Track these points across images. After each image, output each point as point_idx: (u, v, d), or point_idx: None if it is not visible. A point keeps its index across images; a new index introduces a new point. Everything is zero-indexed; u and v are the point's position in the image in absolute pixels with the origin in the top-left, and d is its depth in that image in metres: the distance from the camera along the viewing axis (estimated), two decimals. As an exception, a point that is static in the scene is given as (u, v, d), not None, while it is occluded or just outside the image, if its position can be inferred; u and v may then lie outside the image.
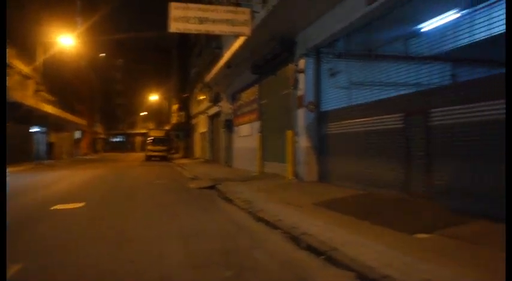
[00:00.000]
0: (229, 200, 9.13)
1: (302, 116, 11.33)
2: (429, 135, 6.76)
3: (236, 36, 13.27)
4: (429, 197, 6.75)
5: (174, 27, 10.45)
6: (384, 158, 8.06)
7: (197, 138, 36.42)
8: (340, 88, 10.63)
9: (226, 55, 15.20)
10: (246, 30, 11.18)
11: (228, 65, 15.52)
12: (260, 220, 6.69)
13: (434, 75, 7.25)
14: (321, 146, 11.10)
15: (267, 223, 6.34)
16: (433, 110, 6.68)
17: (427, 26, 9.18)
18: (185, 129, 43.18)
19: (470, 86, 6.04)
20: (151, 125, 69.36)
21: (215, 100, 25.10)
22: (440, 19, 8.40)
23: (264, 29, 11.29)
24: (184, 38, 44.81)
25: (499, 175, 5.40)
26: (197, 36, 34.43)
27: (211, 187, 11.63)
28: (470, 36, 6.56)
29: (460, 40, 6.71)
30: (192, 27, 10.71)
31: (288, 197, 8.53)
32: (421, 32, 9.54)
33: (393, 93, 8.17)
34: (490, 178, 5.60)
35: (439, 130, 6.58)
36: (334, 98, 10.62)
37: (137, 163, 29.18)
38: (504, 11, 5.81)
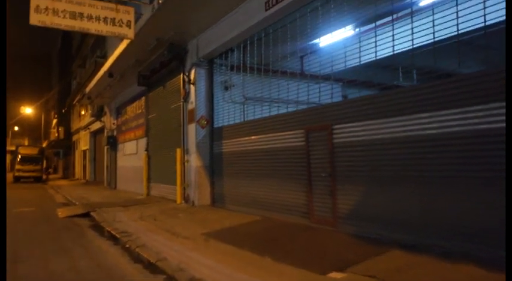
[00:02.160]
0: (103, 233, 7.50)
1: (193, 132, 10.18)
2: (333, 154, 6.18)
3: (120, 39, 11.67)
4: (333, 223, 6.12)
5: (36, 19, 8.48)
6: (283, 179, 7.32)
7: (78, 157, 32.53)
8: (235, 103, 9.81)
9: (108, 62, 13.38)
10: (129, 32, 9.71)
11: (109, 73, 13.67)
12: (138, 260, 5.30)
13: (327, 95, 6.81)
14: (214, 165, 10.06)
15: (147, 264, 5.01)
16: (336, 126, 6.14)
17: (322, 42, 8.95)
18: (65, 146, 38.49)
19: (375, 101, 5.60)
20: (26, 142, 61.06)
21: (98, 114, 22.50)
22: (333, 36, 8.18)
23: (150, 33, 9.97)
24: (66, 46, 40.51)
25: (409, 197, 4.96)
26: (81, 44, 31.14)
27: (85, 215, 9.71)
28: (359, 56, 6.25)
29: (351, 60, 6.36)
30: (62, 23, 8.84)
31: (176, 226, 7.24)
32: (316, 50, 9.32)
33: (291, 109, 7.56)
34: (400, 201, 5.14)
35: (342, 148, 6.04)
36: (228, 114, 9.73)
37: (-1, 186, 24.52)
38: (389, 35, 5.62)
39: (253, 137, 8.34)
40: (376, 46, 5.80)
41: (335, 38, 8.43)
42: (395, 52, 5.61)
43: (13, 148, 47.51)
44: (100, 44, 22.93)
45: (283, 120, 7.40)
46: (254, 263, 4.55)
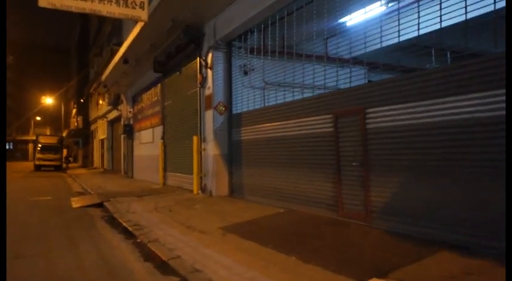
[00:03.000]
0: (115, 225, 7.08)
1: (211, 119, 9.64)
2: (366, 141, 5.52)
3: (135, 23, 11.17)
4: (365, 218, 5.49)
5: (45, 2, 8.05)
6: (309, 169, 6.70)
7: (96, 146, 32.59)
8: (255, 88, 9.19)
9: (123, 47, 12.92)
10: (143, 13, 9.17)
11: (124, 59, 13.22)
12: (150, 257, 4.81)
13: (354, 78, 6.13)
14: (233, 154, 9.51)
15: (159, 263, 4.51)
16: (370, 110, 5.47)
17: (348, 22, 8.17)
18: (84, 135, 38.71)
19: (414, 81, 4.90)
20: (48, 132, 62.05)
21: (115, 103, 22.24)
22: (363, 14, 7.41)
23: (165, 15, 9.42)
24: (84, 36, 40.51)
25: (458, 190, 4.29)
26: (98, 32, 30.95)
27: (99, 205, 9.33)
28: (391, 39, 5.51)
29: (381, 42, 5.62)
30: (72, 4, 8.37)
31: (192, 219, 6.75)
32: (342, 31, 8.56)
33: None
34: (447, 195, 4.47)
35: (377, 135, 5.38)
36: (248, 99, 9.12)
37: (22, 174, 24.68)
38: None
39: (275, 124, 7.73)
40: (418, 23, 5.04)
41: (364, 16, 7.68)
42: (433, 30, 4.91)
43: (34, 138, 48.23)
44: (116, 32, 22.56)
45: (308, 105, 6.76)
46: (279, 264, 3.98)
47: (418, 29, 5.08)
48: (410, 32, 5.29)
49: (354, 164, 5.72)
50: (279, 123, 7.56)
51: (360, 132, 5.60)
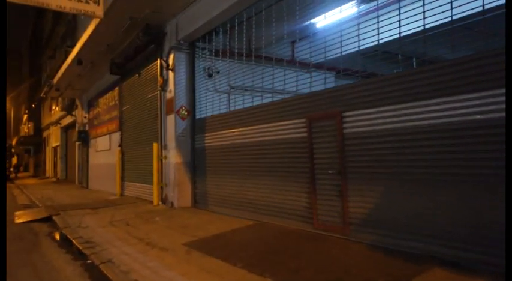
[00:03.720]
0: (63, 243, 6.26)
1: (172, 125, 8.98)
2: (342, 147, 5.12)
3: (90, 22, 10.32)
4: (344, 230, 5.07)
5: (-17, -10, 7.16)
6: (280, 177, 6.22)
7: (49, 154, 30.62)
8: (220, 92, 8.66)
9: (76, 47, 11.96)
10: (97, 9, 8.44)
11: (78, 60, 12.25)
12: (101, 283, 4.12)
13: (320, 85, 5.78)
14: (197, 162, 8.89)
15: (111, 290, 3.84)
16: (347, 113, 5.08)
17: (319, 22, 7.84)
18: (35, 143, 36.36)
19: (396, 82, 4.56)
20: (-6, 139, 58.10)
21: (69, 108, 20.87)
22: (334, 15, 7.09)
23: (122, 11, 8.70)
24: (36, 38, 38.27)
25: (447, 200, 3.94)
26: (50, 34, 29.19)
27: (47, 219, 8.39)
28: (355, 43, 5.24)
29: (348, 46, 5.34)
30: (16, -4, 7.53)
31: (152, 234, 6.08)
32: (310, 35, 8.23)
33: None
34: (435, 205, 4.12)
35: (355, 140, 4.99)
36: (213, 104, 8.56)
37: (-40, 186, 22.52)
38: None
39: (242, 129, 7.21)
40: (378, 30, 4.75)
41: (334, 17, 7.37)
42: (401, 35, 4.66)
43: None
44: (71, 33, 21.24)
45: (279, 109, 6.30)
46: (254, 289, 3.44)
47: (379, 35, 4.81)
48: (375, 39, 5.01)
49: (330, 172, 5.30)
50: (247, 128, 7.05)
51: (337, 137, 5.19)
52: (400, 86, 4.46)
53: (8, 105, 53.72)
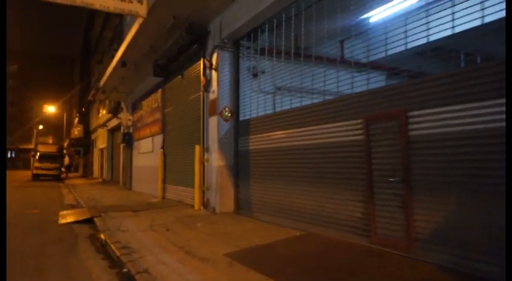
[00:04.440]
0: (102, 247, 6.03)
1: (215, 127, 8.62)
2: (407, 151, 4.47)
3: (132, 18, 10.26)
4: (407, 247, 4.41)
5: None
6: (333, 184, 5.64)
7: (96, 155, 31.62)
8: (265, 93, 8.19)
9: (120, 49, 11.99)
10: (141, 8, 8.27)
11: (122, 62, 12.28)
12: (136, 296, 3.75)
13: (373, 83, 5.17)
14: (240, 165, 8.47)
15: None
16: (413, 113, 4.43)
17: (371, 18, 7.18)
18: (84, 144, 37.77)
19: (476, 75, 3.86)
20: (50, 140, 61.43)
21: (115, 111, 21.32)
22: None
23: (165, 10, 8.49)
24: (87, 44, 39.96)
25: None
26: (99, 40, 30.24)
27: (88, 221, 8.28)
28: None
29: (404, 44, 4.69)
30: (62, -4, 7.50)
31: (192, 241, 5.69)
32: (360, 32, 7.60)
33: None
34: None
35: (423, 144, 4.33)
36: (258, 105, 8.11)
37: (17, 183, 23.61)
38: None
39: (289, 131, 6.70)
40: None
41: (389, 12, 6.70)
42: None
43: (33, 146, 47.37)
44: (117, 38, 21.74)
45: (332, 109, 5.73)
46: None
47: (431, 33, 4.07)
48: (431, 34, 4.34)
49: (391, 179, 4.66)
50: (295, 130, 6.53)
51: (400, 140, 4.55)
52: (484, 79, 3.76)
53: (61, 109, 56.60)
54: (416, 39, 4.75)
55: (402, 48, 4.96)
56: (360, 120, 5.14)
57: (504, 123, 3.55)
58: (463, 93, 3.94)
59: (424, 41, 4.69)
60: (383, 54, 5.24)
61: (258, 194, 7.70)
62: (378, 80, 5.62)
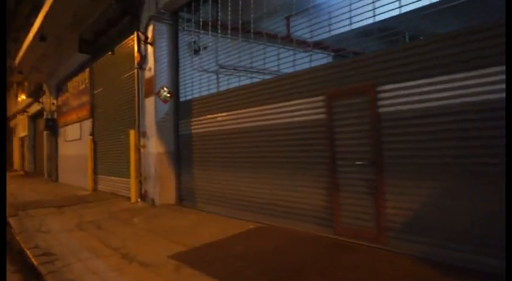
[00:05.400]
0: (16, 255, 4.95)
1: (152, 108, 7.66)
2: (378, 131, 3.97)
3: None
4: (378, 237, 3.96)
5: None
6: (289, 169, 5.05)
7: (16, 145, 28.52)
8: (207, 72, 7.38)
9: (38, 20, 10.38)
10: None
11: (41, 36, 10.65)
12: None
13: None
14: (182, 151, 7.63)
15: None
16: (383, 87, 3.93)
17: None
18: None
19: (455, 43, 3.42)
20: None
21: (35, 94, 19.03)
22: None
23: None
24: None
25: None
26: (14, 14, 26.89)
27: (2, 222, 6.97)
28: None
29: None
30: None
31: (129, 242, 4.85)
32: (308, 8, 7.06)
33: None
34: (497, 206, 3.04)
35: (395, 122, 3.85)
36: (200, 84, 7.28)
37: None
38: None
39: (239, 112, 5.99)
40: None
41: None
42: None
43: None
44: (36, 11, 19.34)
45: (287, 85, 5.11)
46: None
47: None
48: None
49: (358, 163, 4.16)
50: (245, 110, 5.84)
51: (369, 118, 4.05)
52: (466, 47, 3.33)
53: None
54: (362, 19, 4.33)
55: (348, 27, 4.54)
56: (321, 97, 4.57)
57: (493, 96, 3.15)
58: (441, 63, 3.49)
59: (370, 21, 4.29)
60: (327, 34, 4.80)
61: (203, 183, 6.94)
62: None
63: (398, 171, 3.82)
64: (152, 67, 7.67)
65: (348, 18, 4.48)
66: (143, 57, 7.95)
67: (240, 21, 6.47)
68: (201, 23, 7.41)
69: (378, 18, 4.24)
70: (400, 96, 3.78)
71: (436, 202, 3.52)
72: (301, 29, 5.44)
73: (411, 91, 3.69)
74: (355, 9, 4.40)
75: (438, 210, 3.50)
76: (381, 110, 3.93)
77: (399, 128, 3.80)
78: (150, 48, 7.75)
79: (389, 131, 3.89)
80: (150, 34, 7.73)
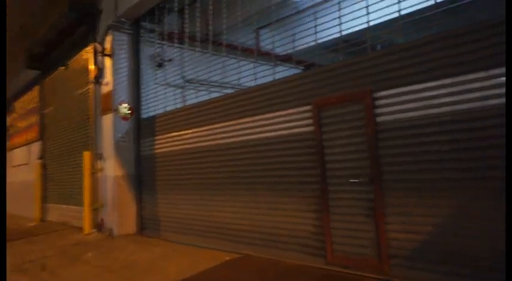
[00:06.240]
0: None
1: (110, 127, 6.84)
2: (375, 143, 3.45)
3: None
4: (379, 266, 3.37)
5: None
6: (272, 191, 4.41)
7: (-43, 173, 26.01)
8: (172, 86, 6.72)
9: (-21, 31, 9.32)
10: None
11: (-17, 49, 9.57)
12: None
13: None
14: (144, 174, 6.82)
15: None
16: (382, 93, 3.44)
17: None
18: None
19: (465, 40, 3.01)
20: None
21: (-20, 116, 17.42)
22: None
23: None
24: None
25: None
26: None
27: None
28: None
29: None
30: None
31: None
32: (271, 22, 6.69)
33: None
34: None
35: (397, 132, 3.35)
36: (165, 99, 6.58)
37: None
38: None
39: (209, 127, 5.34)
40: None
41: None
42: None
43: None
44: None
45: (268, 95, 4.53)
46: None
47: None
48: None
49: (353, 181, 3.61)
50: (219, 125, 5.19)
51: (365, 129, 3.53)
52: (476, 44, 2.91)
53: None
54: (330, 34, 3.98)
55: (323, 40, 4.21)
56: (308, 107, 4.03)
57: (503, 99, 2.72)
58: (449, 63, 3.06)
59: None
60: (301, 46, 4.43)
61: (169, 209, 6.14)
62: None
63: (400, 188, 3.30)
64: (110, 81, 6.90)
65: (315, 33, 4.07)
66: (100, 71, 7.17)
67: (209, 33, 5.93)
68: (165, 34, 6.81)
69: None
70: (401, 103, 3.31)
71: (448, 222, 3.01)
72: (271, 43, 4.99)
73: (414, 96, 3.22)
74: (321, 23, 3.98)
75: (450, 232, 2.99)
76: (379, 119, 3.44)
77: (401, 139, 3.30)
78: (108, 61, 7.00)
79: (388, 143, 3.39)
80: (108, 45, 6.99)
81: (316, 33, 4.23)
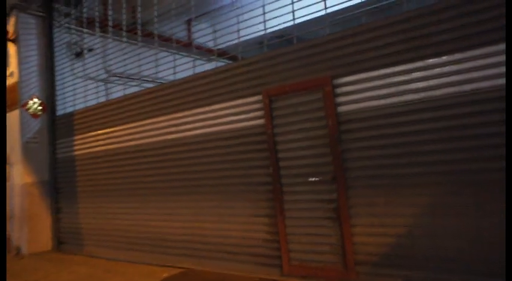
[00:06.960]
0: None
1: (17, 126, 5.77)
2: (336, 136, 3.07)
3: None
4: (343, 274, 3.00)
5: None
6: (217, 193, 3.85)
7: None
8: (93, 80, 5.86)
9: None
10: None
11: None
12: None
13: None
14: (61, 180, 5.87)
15: None
16: (343, 79, 3.07)
17: None
18: None
19: (436, 19, 2.74)
20: None
21: None
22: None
23: None
24: None
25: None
26: None
27: None
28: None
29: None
30: None
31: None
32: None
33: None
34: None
35: (361, 123, 3.00)
36: (85, 93, 5.70)
37: None
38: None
39: (142, 123, 4.62)
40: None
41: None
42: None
43: None
44: None
45: (209, 84, 3.97)
46: None
47: None
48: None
49: (312, 179, 3.21)
50: (151, 121, 4.51)
51: (324, 121, 3.14)
52: (459, 21, 2.65)
53: None
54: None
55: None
56: (257, 97, 3.54)
57: (489, 82, 2.50)
58: (421, 44, 2.77)
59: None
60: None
61: (93, 220, 5.28)
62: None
63: (367, 186, 2.96)
64: (15, 71, 5.83)
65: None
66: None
67: (137, 22, 5.22)
68: (85, 20, 5.92)
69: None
70: (366, 90, 2.96)
71: (422, 222, 2.72)
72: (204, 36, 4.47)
73: (382, 82, 2.90)
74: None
75: (424, 232, 2.71)
76: (341, 109, 3.06)
77: (366, 130, 2.96)
78: (12, 47, 5.91)
79: (353, 136, 3.03)
80: (11, 28, 5.90)
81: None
